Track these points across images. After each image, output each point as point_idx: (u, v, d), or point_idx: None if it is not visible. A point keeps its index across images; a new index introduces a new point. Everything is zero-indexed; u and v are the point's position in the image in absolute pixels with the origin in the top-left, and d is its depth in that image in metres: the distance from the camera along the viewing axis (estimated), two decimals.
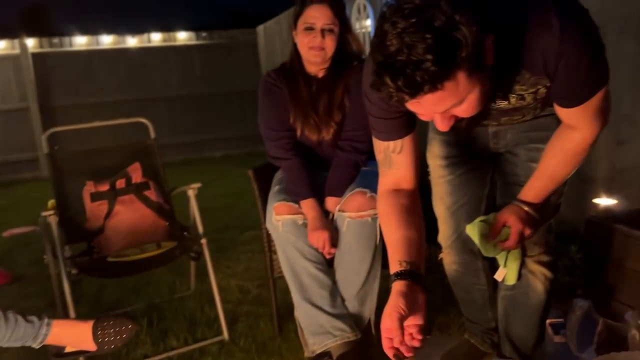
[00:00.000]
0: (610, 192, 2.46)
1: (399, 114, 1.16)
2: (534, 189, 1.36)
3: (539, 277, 1.54)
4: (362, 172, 1.96)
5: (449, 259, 1.73)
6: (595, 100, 1.15)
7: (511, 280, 1.51)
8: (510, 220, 1.35)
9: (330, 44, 1.89)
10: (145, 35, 7.96)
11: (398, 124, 1.19)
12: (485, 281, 1.72)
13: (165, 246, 2.22)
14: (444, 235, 1.69)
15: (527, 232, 1.35)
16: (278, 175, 2.07)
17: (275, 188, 2.00)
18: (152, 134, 2.60)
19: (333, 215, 1.89)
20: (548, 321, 1.87)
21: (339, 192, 1.90)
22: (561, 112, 1.22)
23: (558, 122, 1.31)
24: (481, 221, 1.41)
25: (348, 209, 1.83)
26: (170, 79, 7.97)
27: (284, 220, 1.88)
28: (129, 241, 2.22)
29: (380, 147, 1.24)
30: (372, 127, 1.24)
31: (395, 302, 1.02)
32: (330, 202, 1.91)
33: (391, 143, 1.22)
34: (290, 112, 1.98)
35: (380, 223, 1.31)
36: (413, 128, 1.22)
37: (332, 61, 1.95)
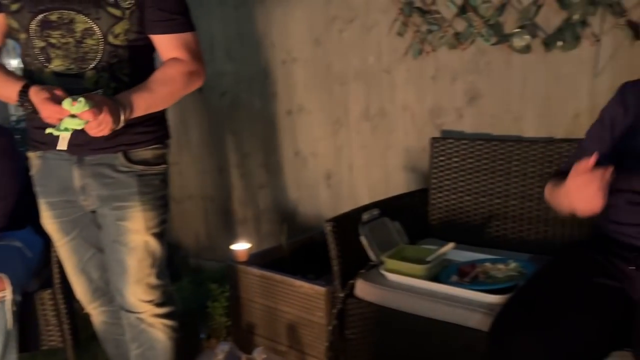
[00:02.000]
0: (256, 231, 2.77)
1: None
2: (138, 96, 1.37)
3: (159, 327, 1.60)
4: None
5: (94, 312, 1.73)
6: (187, 38, 1.45)
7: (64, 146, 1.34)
8: (99, 99, 1.28)
9: None
10: None
11: None
12: None
13: None
14: (81, 292, 1.69)
15: (106, 118, 1.26)
16: None
17: None
18: None
19: None
20: None
21: None
22: (161, 43, 1.45)
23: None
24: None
25: None
26: None
27: None
28: None
29: None
30: None
31: (42, 94, 1.29)
32: None
33: None
34: None
35: None
36: None
37: None
